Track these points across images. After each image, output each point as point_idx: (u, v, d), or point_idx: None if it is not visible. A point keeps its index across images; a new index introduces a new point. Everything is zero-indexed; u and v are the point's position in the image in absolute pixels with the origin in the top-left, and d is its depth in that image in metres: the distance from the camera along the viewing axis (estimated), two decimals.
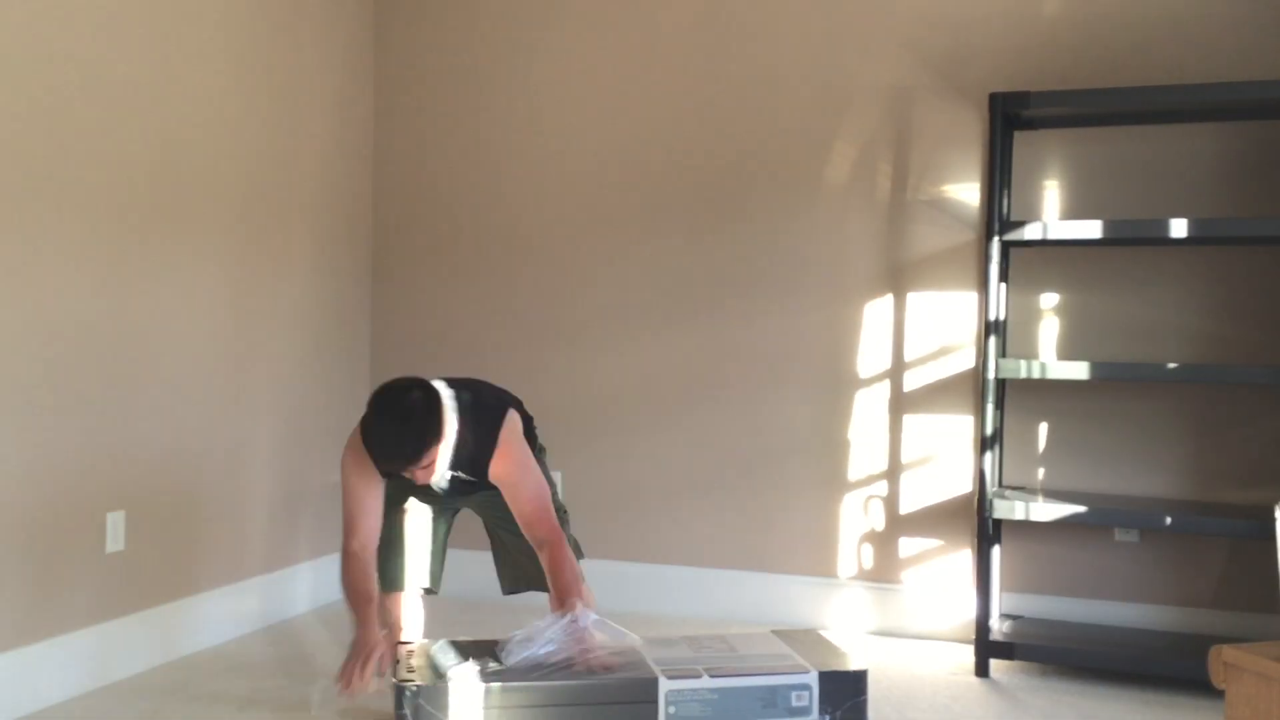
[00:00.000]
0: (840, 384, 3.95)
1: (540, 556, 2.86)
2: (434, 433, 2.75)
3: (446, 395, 2.84)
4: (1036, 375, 3.45)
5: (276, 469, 3.98)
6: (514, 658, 2.66)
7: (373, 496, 2.91)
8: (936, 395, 3.86)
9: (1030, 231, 3.41)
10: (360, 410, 2.87)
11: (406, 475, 2.83)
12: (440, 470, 2.85)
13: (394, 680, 2.64)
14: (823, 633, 3.50)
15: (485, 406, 2.91)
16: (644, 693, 2.61)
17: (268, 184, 3.91)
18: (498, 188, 4.35)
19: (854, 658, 2.81)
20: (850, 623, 3.92)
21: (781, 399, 4.01)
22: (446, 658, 2.73)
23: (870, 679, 3.05)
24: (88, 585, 3.21)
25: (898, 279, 3.90)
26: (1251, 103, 3.37)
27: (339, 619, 3.99)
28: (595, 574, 3.88)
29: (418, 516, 3.14)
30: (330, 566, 4.23)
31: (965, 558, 3.81)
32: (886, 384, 3.91)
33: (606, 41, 4.22)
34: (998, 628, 3.56)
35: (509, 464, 2.87)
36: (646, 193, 4.17)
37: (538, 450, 3.10)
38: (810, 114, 3.98)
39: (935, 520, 3.86)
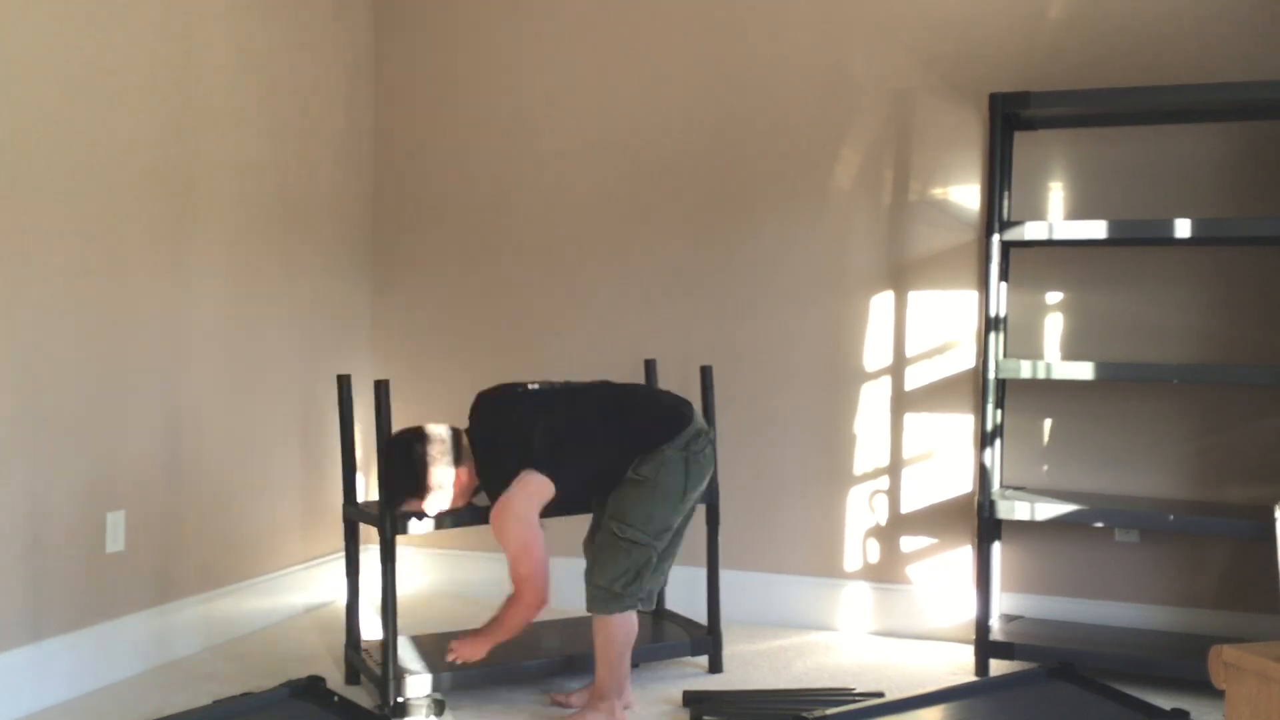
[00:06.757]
0: (842, 382, 3.95)
1: None
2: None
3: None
4: (1041, 375, 3.45)
5: (277, 469, 3.98)
6: None
7: None
8: (938, 394, 3.85)
9: (1029, 231, 3.42)
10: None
11: None
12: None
13: None
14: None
15: None
16: None
17: (270, 187, 3.90)
18: (498, 189, 4.35)
19: None
20: (850, 623, 3.91)
21: (783, 397, 4.01)
22: None
23: (869, 678, 3.06)
24: (88, 585, 3.20)
25: (899, 278, 3.90)
26: (1253, 103, 3.37)
27: (336, 621, 3.99)
28: None
29: None
30: (329, 567, 4.23)
31: (966, 557, 3.80)
32: (888, 383, 3.91)
33: (608, 43, 4.21)
34: (998, 627, 3.56)
35: None
36: (647, 193, 4.16)
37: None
38: (813, 115, 3.98)
39: (936, 520, 3.85)
